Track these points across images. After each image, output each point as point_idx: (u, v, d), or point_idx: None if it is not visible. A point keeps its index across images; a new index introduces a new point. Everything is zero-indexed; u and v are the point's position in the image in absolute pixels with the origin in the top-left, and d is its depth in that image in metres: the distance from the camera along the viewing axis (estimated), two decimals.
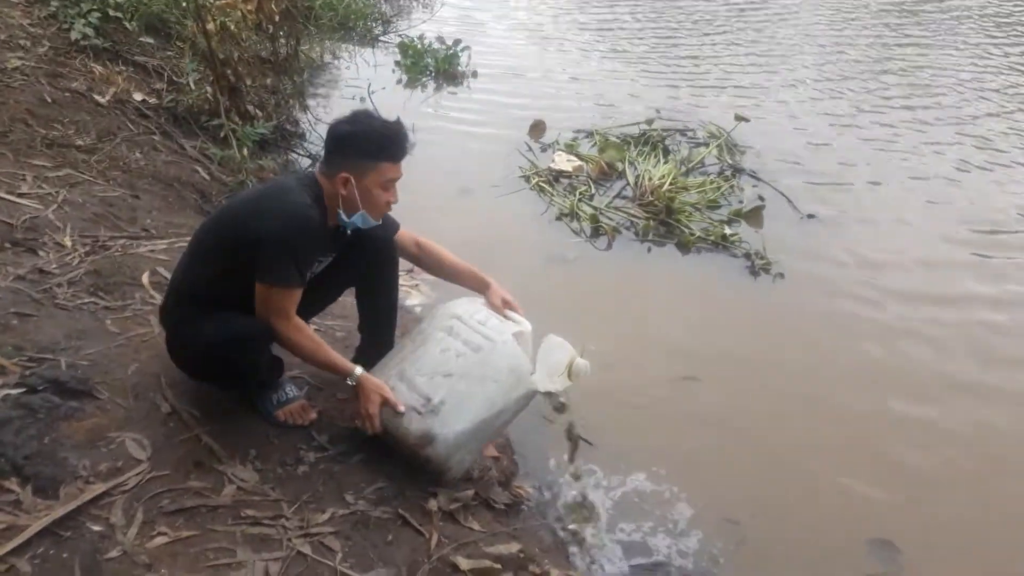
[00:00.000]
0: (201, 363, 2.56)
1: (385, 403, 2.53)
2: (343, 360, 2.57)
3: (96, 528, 2.12)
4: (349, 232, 2.61)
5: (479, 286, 2.89)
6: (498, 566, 2.33)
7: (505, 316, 2.80)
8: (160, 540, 2.13)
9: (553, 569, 2.41)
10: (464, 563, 2.30)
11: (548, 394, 2.74)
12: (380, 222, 2.64)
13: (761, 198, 5.81)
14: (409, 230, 2.87)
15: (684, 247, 5.18)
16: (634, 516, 3.02)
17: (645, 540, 2.92)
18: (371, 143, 2.46)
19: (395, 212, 2.72)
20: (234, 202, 2.69)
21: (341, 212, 2.53)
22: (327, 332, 3.33)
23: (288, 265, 2.38)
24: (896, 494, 3.20)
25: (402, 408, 2.52)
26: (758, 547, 2.93)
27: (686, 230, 5.28)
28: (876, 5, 12.28)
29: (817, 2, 12.41)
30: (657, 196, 5.52)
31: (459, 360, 2.62)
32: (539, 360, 2.75)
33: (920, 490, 3.24)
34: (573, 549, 2.80)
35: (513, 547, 2.44)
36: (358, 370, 2.55)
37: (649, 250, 5.20)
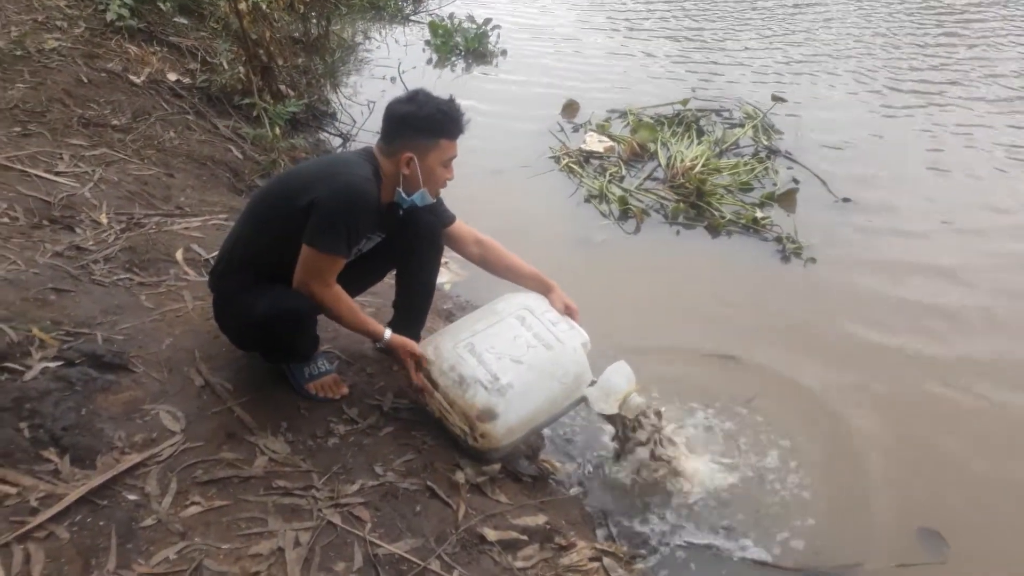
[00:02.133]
0: (249, 333, 2.62)
1: (414, 358, 2.64)
2: (375, 323, 2.64)
3: (132, 497, 2.17)
4: (402, 211, 2.66)
5: (542, 289, 2.95)
6: (524, 537, 2.35)
7: (570, 323, 2.86)
8: (193, 509, 2.18)
9: (579, 541, 2.42)
10: (491, 534, 2.32)
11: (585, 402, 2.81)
12: (435, 200, 2.70)
13: (796, 181, 5.68)
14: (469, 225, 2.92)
15: (714, 230, 5.10)
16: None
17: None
18: (432, 121, 2.50)
19: None
20: (293, 171, 2.72)
21: (400, 191, 2.56)
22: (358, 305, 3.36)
23: (339, 234, 2.41)
24: (947, 490, 3.15)
25: (431, 357, 2.64)
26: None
27: (716, 213, 5.20)
28: None
29: None
30: (688, 178, 5.44)
31: (530, 351, 2.68)
32: (603, 378, 2.81)
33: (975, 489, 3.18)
34: (600, 522, 2.80)
35: (540, 519, 2.46)
36: (387, 333, 2.63)
37: (678, 233, 5.13)
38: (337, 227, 2.40)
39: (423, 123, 2.49)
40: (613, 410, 2.77)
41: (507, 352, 2.66)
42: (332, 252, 2.44)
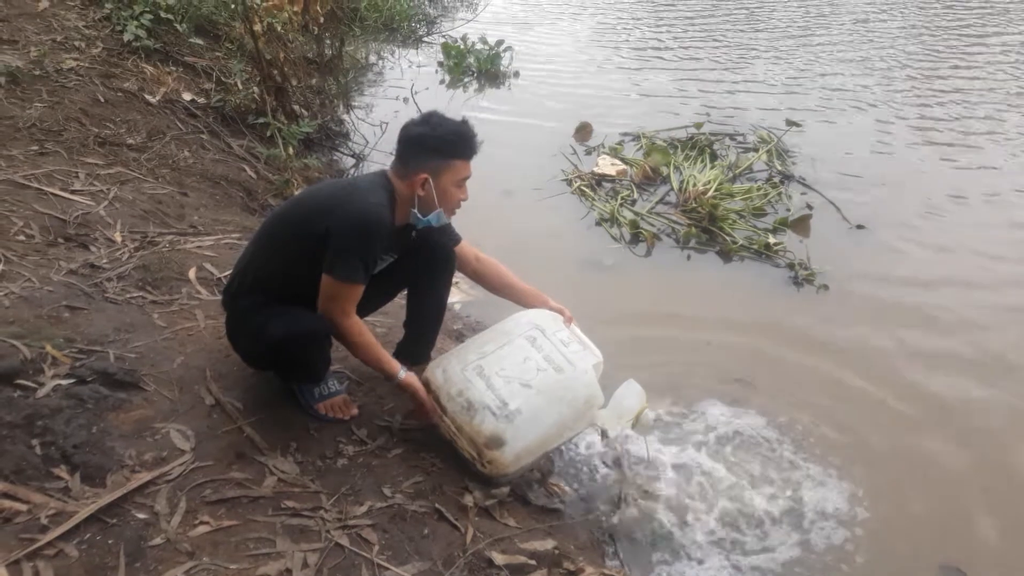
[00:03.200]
0: (263, 354, 2.62)
1: (420, 403, 2.69)
2: (391, 361, 2.65)
3: (141, 516, 2.17)
4: (415, 233, 2.68)
5: (542, 306, 2.95)
6: (532, 562, 2.34)
7: (583, 342, 2.87)
8: (202, 529, 2.18)
9: (588, 566, 2.40)
10: (499, 558, 2.31)
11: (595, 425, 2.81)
12: (450, 220, 2.73)
13: (809, 206, 5.68)
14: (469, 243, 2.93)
15: (726, 255, 5.09)
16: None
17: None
18: (446, 143, 2.53)
19: None
20: (308, 194, 2.73)
21: (416, 211, 2.58)
22: (368, 326, 3.36)
23: (356, 262, 2.44)
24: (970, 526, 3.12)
25: (440, 381, 2.67)
26: None
27: (728, 238, 5.19)
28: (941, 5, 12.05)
29: (883, 6, 12.19)
30: (701, 202, 5.44)
31: (540, 375, 2.67)
32: (614, 399, 2.82)
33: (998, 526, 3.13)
34: (609, 547, 2.79)
35: (548, 543, 2.45)
36: (402, 373, 2.64)
37: (689, 257, 5.13)
38: (353, 255, 2.42)
39: (438, 144, 2.52)
40: (626, 429, 2.77)
41: (516, 376, 2.65)
42: (351, 280, 2.46)
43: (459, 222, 2.87)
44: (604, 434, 2.98)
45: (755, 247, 5.11)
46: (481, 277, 2.97)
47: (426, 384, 2.71)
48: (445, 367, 2.73)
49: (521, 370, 2.67)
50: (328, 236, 2.41)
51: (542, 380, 2.65)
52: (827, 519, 3.03)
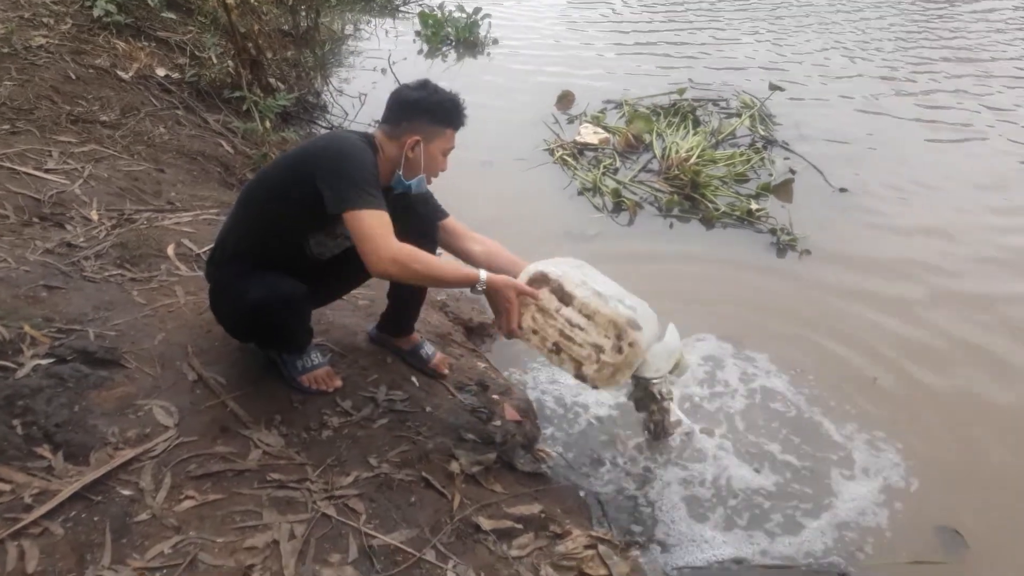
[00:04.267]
0: (243, 322, 2.60)
1: (521, 293, 2.55)
2: (464, 268, 2.53)
3: (126, 492, 2.17)
4: (395, 193, 2.59)
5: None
6: (519, 526, 2.36)
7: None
8: (188, 503, 2.18)
9: (575, 529, 2.42)
10: (486, 523, 2.33)
11: (637, 380, 2.78)
12: (429, 187, 2.69)
13: (792, 171, 5.66)
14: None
15: (708, 222, 5.08)
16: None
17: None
18: (443, 109, 2.53)
19: None
20: (287, 153, 2.61)
21: (400, 174, 2.54)
22: (349, 300, 3.35)
23: (362, 186, 2.31)
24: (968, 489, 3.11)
25: (540, 297, 2.56)
26: None
27: (711, 205, 5.18)
28: None
29: None
30: (683, 170, 5.42)
31: (630, 297, 2.65)
32: (667, 336, 2.80)
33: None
34: (595, 512, 2.81)
35: (534, 508, 2.47)
36: (483, 274, 2.50)
37: (671, 225, 5.11)
38: (354, 182, 2.31)
39: (435, 108, 2.51)
40: (668, 371, 2.75)
41: (617, 292, 2.64)
42: (368, 206, 2.30)
43: (439, 194, 2.84)
44: (654, 430, 3.00)
45: (737, 214, 5.10)
46: (489, 257, 2.78)
47: (536, 279, 2.59)
48: (555, 265, 2.63)
49: (618, 289, 2.67)
50: (317, 179, 2.32)
51: (633, 300, 2.64)
52: (812, 482, 3.07)
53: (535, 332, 2.58)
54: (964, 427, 3.40)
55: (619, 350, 2.52)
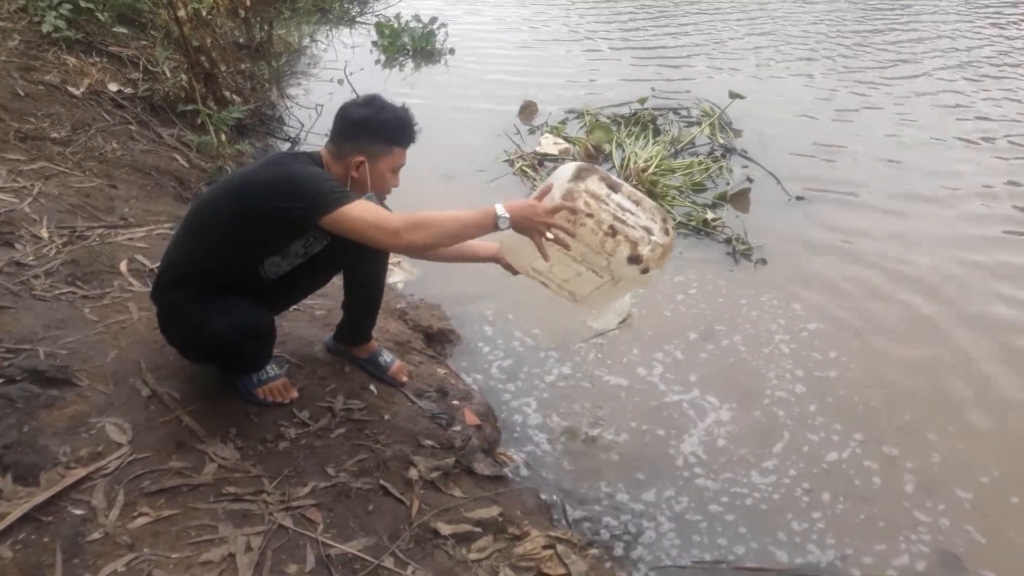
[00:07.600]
0: (203, 348, 2.57)
1: (554, 210, 2.40)
2: (476, 211, 2.33)
3: (77, 512, 2.14)
4: None
5: (494, 251, 2.86)
6: (478, 529, 2.36)
7: None
8: (142, 520, 2.15)
9: (533, 530, 2.44)
10: (444, 528, 2.33)
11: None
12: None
13: (750, 179, 5.65)
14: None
15: None
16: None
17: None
18: (387, 128, 2.47)
19: None
20: (233, 184, 2.53)
21: None
22: (306, 310, 3.34)
23: (329, 193, 2.26)
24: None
25: (577, 205, 2.43)
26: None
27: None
28: None
29: None
30: (641, 180, 5.42)
31: None
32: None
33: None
34: (556, 513, 2.82)
35: (494, 511, 2.47)
36: (499, 207, 2.31)
37: None
38: (324, 190, 2.27)
39: (379, 128, 2.45)
40: (614, 325, 3.11)
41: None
42: (347, 201, 2.24)
43: (399, 206, 2.81)
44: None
45: (693, 223, 5.09)
46: (437, 254, 2.80)
47: (585, 169, 2.52)
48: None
49: None
50: (274, 212, 2.27)
51: None
52: (788, 492, 3.10)
53: (590, 216, 2.48)
54: (955, 440, 3.38)
55: (666, 232, 2.56)
